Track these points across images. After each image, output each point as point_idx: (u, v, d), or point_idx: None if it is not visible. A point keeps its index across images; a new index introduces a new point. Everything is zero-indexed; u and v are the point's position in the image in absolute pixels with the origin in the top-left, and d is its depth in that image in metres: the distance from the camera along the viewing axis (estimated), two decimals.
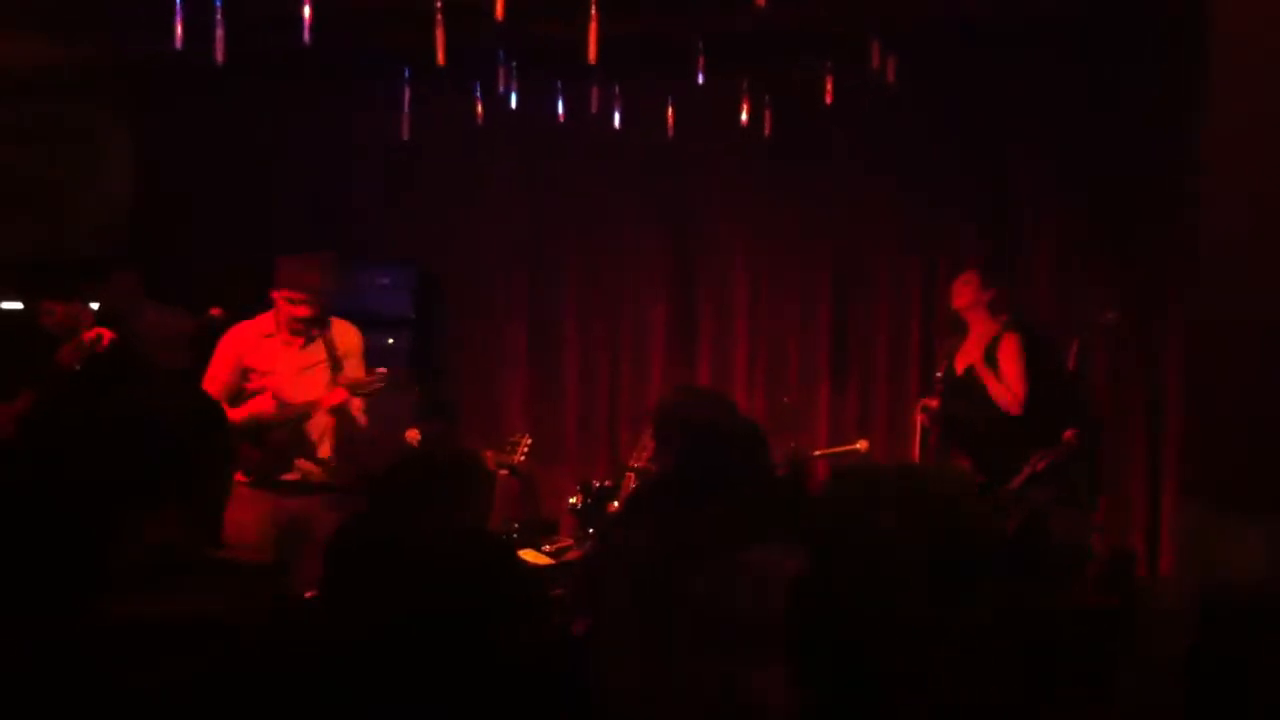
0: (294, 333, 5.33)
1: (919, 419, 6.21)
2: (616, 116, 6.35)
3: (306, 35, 5.11)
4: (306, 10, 5.03)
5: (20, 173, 7.41)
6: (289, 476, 5.27)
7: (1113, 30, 6.48)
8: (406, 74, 6.16)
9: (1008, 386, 6.01)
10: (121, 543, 2.06)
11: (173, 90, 7.32)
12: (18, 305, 6.17)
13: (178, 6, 4.97)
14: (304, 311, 5.29)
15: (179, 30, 5.11)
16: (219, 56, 5.12)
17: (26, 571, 1.98)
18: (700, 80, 5.86)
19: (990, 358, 6.09)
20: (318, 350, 5.34)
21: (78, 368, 5.39)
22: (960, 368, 6.21)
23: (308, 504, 5.19)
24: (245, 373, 5.32)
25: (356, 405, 5.37)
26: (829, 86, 6.08)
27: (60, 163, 7.47)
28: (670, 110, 6.43)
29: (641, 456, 5.79)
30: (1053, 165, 6.93)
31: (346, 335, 5.44)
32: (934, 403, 6.14)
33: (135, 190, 7.61)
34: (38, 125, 7.43)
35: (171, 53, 5.07)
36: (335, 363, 5.30)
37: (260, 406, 5.22)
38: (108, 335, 5.45)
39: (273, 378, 5.28)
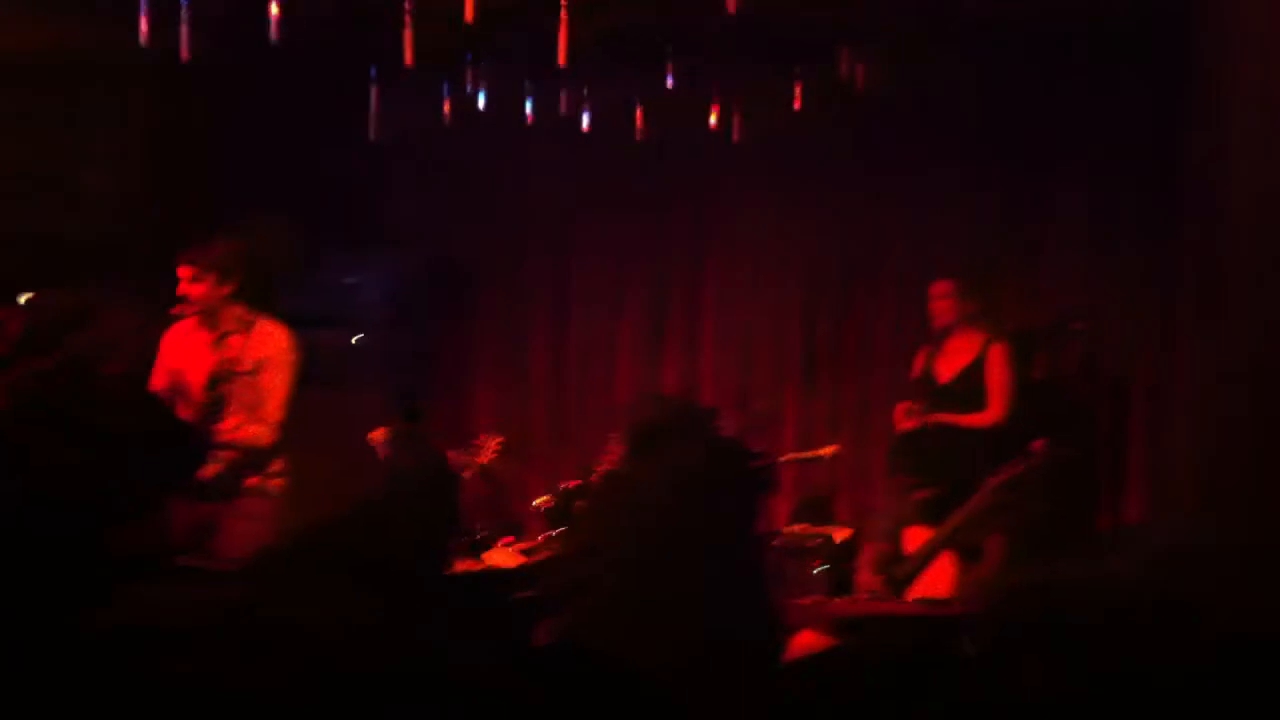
0: (193, 316, 5.05)
1: (909, 424, 6.07)
2: (586, 116, 6.33)
3: (274, 32, 5.08)
4: (274, 8, 5.00)
5: (25, 160, 7.28)
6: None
7: (1107, 33, 6.50)
8: (373, 73, 6.13)
9: (991, 400, 5.95)
10: (102, 551, 2.05)
11: (171, 84, 7.21)
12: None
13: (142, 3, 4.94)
14: (184, 288, 5.00)
15: (144, 26, 5.08)
16: (184, 54, 5.09)
17: (13, 580, 1.98)
18: (670, 81, 5.85)
19: (978, 367, 6.03)
20: (229, 352, 5.01)
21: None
22: (945, 374, 6.13)
23: (215, 509, 4.92)
24: (176, 373, 5.08)
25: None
26: (798, 92, 6.08)
27: (64, 151, 7.35)
28: (640, 111, 6.42)
29: (610, 459, 5.77)
30: (1028, 168, 6.95)
31: (264, 342, 5.08)
32: (916, 407, 6.07)
33: (139, 182, 7.52)
34: (41, 113, 7.32)
35: (165, 45, 5.02)
36: (224, 366, 4.94)
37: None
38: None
39: (185, 376, 5.03)
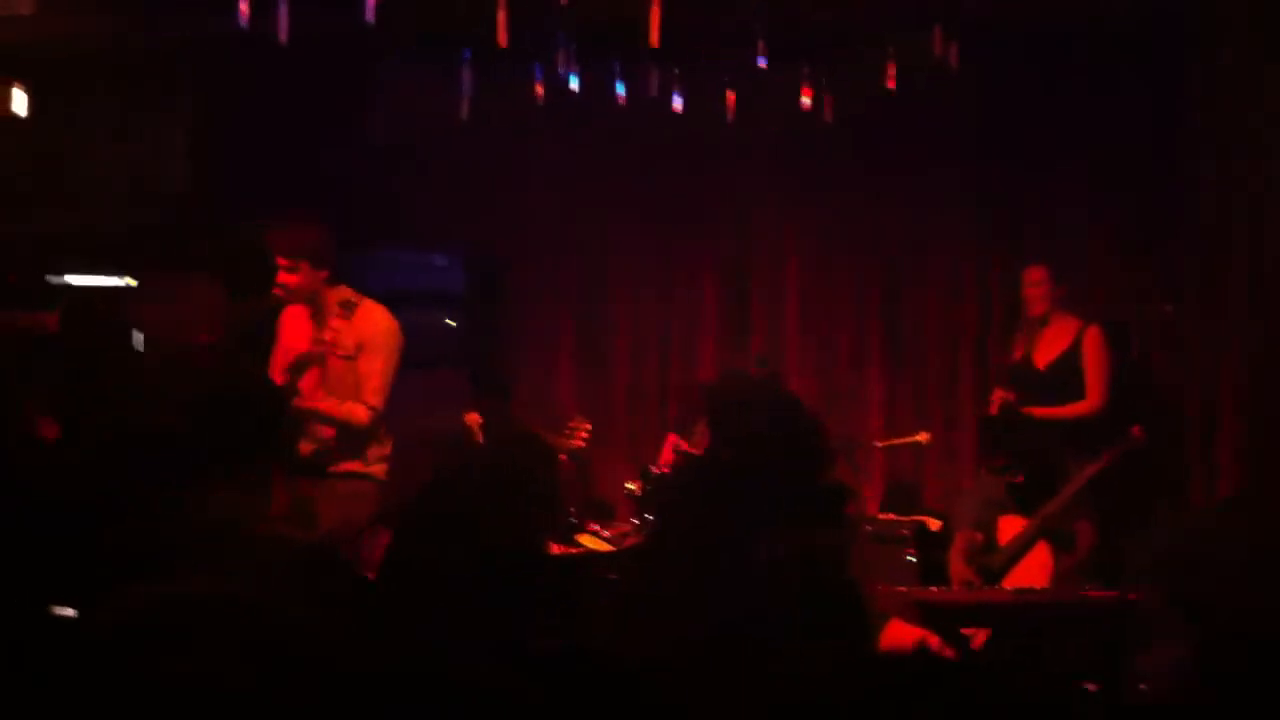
0: (293, 301, 5.13)
1: (1004, 411, 6.05)
2: (675, 100, 6.29)
3: (370, 14, 5.10)
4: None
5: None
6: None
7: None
8: (467, 55, 6.13)
9: (1090, 387, 5.99)
10: (174, 520, 2.06)
11: (228, 71, 7.29)
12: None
13: None
14: (282, 277, 5.04)
15: (244, 8, 5.12)
16: (282, 36, 5.11)
17: (76, 550, 1.99)
18: (761, 65, 5.80)
19: (1076, 353, 6.04)
20: (329, 334, 5.05)
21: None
22: (1042, 361, 6.13)
23: (315, 485, 4.98)
24: (289, 354, 5.15)
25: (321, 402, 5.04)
26: (891, 72, 6.00)
27: (108, 142, 7.42)
28: (729, 95, 6.36)
29: (699, 443, 5.73)
30: (1103, 157, 6.84)
31: (365, 324, 5.09)
32: (1012, 396, 6.06)
33: (187, 171, 7.59)
34: (85, 106, 7.40)
35: (232, 32, 5.06)
36: (320, 349, 5.02)
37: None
38: None
39: (292, 355, 5.10)
